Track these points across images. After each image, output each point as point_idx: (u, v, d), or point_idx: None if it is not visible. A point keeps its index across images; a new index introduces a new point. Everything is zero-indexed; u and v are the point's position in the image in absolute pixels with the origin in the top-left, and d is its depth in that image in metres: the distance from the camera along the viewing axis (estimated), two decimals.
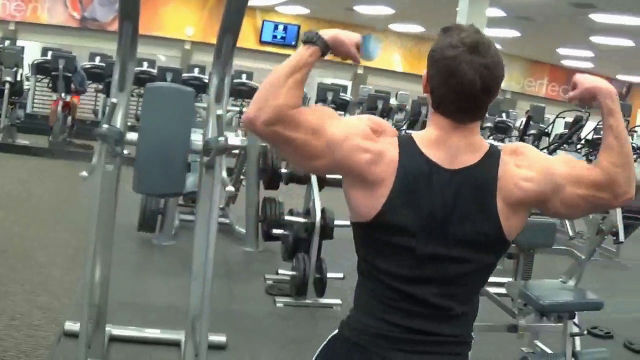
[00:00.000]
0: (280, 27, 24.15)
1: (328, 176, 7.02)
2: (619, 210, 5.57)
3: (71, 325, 4.99)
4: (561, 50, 25.27)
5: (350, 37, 2.39)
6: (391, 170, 2.15)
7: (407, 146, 2.18)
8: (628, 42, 20.21)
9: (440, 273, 2.18)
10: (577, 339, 5.27)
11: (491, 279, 5.52)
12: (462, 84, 2.12)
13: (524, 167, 2.18)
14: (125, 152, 4.30)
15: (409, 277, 2.18)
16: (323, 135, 2.18)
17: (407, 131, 14.80)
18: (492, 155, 2.20)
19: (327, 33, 2.39)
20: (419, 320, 2.18)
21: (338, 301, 6.73)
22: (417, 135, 2.23)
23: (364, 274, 2.34)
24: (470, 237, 2.16)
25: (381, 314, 2.23)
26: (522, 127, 16.74)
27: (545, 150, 13.78)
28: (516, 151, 2.23)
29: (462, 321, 2.25)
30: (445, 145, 2.17)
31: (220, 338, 5.33)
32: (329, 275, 6.64)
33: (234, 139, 4.16)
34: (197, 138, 4.29)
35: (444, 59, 2.19)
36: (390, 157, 2.16)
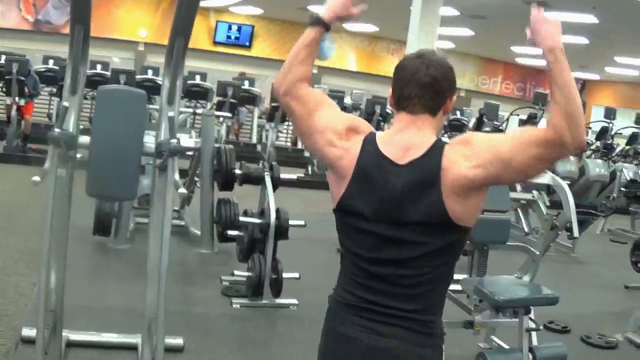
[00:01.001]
0: (234, 28, 24.02)
1: (282, 176, 7.04)
2: (572, 206, 5.64)
3: (28, 332, 4.93)
4: (515, 48, 25.42)
5: (337, 3, 2.84)
6: (352, 164, 2.51)
7: (368, 144, 2.53)
8: (582, 40, 20.40)
9: (395, 255, 2.48)
10: (534, 334, 5.32)
11: None
12: (409, 71, 2.55)
13: (472, 156, 2.42)
14: (79, 155, 4.27)
15: (370, 258, 2.52)
16: (311, 118, 2.66)
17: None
18: (436, 149, 2.46)
19: (324, 11, 2.85)
20: (377, 295, 2.51)
21: (294, 301, 6.72)
22: (379, 134, 2.59)
23: (341, 254, 2.70)
24: (418, 222, 2.44)
25: (349, 287, 2.60)
26: (475, 125, 16.90)
27: None
28: (465, 142, 2.49)
29: (418, 301, 2.50)
30: (398, 143, 2.51)
31: (178, 341, 5.31)
32: (284, 275, 6.63)
33: (187, 140, 4.16)
34: (150, 140, 4.27)
35: (399, 65, 2.64)
36: (354, 153, 2.52)
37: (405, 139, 2.51)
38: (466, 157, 2.42)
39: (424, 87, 2.52)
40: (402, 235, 2.46)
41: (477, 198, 2.47)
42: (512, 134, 2.50)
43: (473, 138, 2.49)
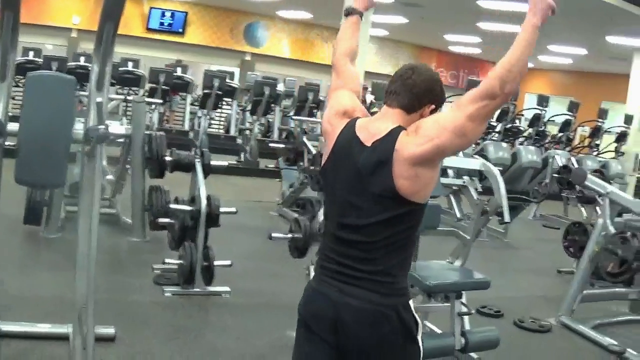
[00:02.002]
0: (168, 14, 23.80)
1: (213, 163, 7.00)
2: (503, 192, 5.71)
3: None
4: (449, 37, 25.63)
5: None
6: (333, 141, 3.05)
7: (348, 126, 3.04)
8: (515, 28, 20.56)
9: (356, 221, 2.92)
10: (466, 318, 5.38)
11: None
12: (399, 73, 3.02)
13: (420, 136, 2.82)
14: (8, 143, 4.20)
15: (338, 223, 3.00)
16: (334, 92, 3.29)
17: (294, 117, 14.88)
18: (393, 133, 2.89)
19: (354, 3, 3.51)
20: (342, 257, 2.96)
21: (227, 288, 6.69)
22: (360, 120, 3.07)
23: (324, 221, 3.26)
24: (374, 194, 2.88)
25: (324, 250, 3.08)
26: None
27: None
28: (416, 126, 2.88)
29: (376, 264, 2.91)
30: (369, 128, 2.97)
31: (109, 330, 5.26)
32: (216, 262, 6.60)
33: (117, 127, 4.13)
34: (79, 127, 4.22)
35: (397, 70, 3.10)
36: (337, 132, 3.05)
37: (375, 126, 2.96)
38: (416, 139, 2.82)
39: (404, 87, 2.97)
40: (361, 204, 2.91)
41: (427, 176, 2.87)
42: (454, 103, 2.86)
43: (422, 122, 2.89)
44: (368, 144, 2.92)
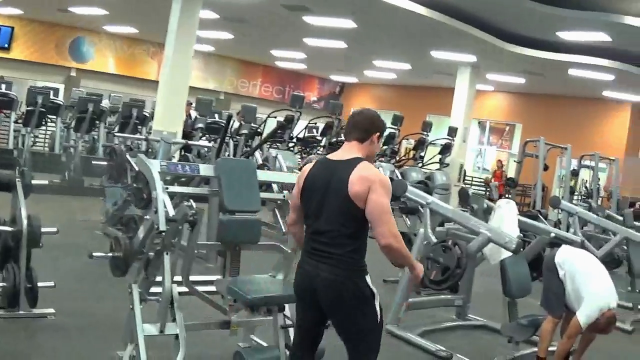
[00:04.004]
0: None
1: (34, 182, 6.82)
2: None
3: None
4: (275, 52, 25.87)
5: None
6: (303, 180, 4.45)
7: (320, 159, 4.55)
8: (340, 44, 21.00)
9: (326, 217, 4.25)
10: (291, 330, 5.45)
11: (201, 278, 5.64)
12: (351, 117, 4.54)
13: (363, 188, 4.14)
14: None
15: (314, 229, 4.33)
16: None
17: (118, 134, 14.62)
18: (353, 160, 4.28)
19: None
20: (318, 243, 4.27)
21: (51, 310, 6.55)
22: (331, 154, 4.53)
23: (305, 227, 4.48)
24: (336, 197, 4.22)
25: (306, 242, 4.40)
26: (232, 128, 17.00)
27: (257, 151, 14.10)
28: (370, 181, 4.15)
29: (342, 247, 4.19)
30: (339, 153, 4.43)
31: None
32: (39, 284, 6.46)
33: None
34: None
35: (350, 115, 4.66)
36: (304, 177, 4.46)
37: (342, 153, 4.41)
38: (361, 185, 4.15)
39: (354, 126, 4.45)
40: (328, 204, 4.24)
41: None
42: (375, 211, 4.13)
43: (374, 183, 4.14)
44: (338, 160, 4.34)
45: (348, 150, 4.35)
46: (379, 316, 4.25)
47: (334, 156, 4.41)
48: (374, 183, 4.11)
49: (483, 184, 25.80)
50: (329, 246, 4.19)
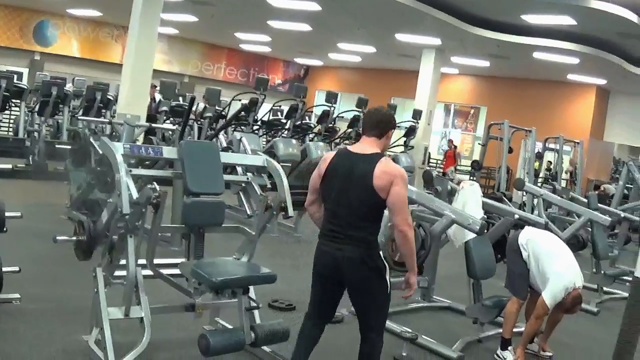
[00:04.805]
0: None
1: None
2: (287, 187, 5.85)
3: None
4: (239, 35, 25.79)
5: None
6: (326, 166, 4.98)
7: (341, 150, 5.14)
8: (305, 27, 20.96)
9: (347, 202, 4.81)
10: (256, 312, 5.49)
11: (165, 261, 5.61)
12: (368, 114, 5.19)
13: (387, 181, 4.74)
14: None
15: (334, 213, 4.89)
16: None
17: (82, 117, 14.49)
18: (376, 155, 4.86)
19: None
20: (338, 227, 4.84)
21: (17, 295, 6.45)
22: (351, 146, 5.14)
23: (324, 205, 5.05)
24: (359, 184, 4.77)
25: (325, 225, 4.97)
26: (197, 111, 16.94)
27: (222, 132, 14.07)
28: (392, 175, 4.76)
29: (361, 230, 4.79)
30: (359, 147, 5.00)
31: None
32: (4, 269, 6.39)
33: None
34: None
35: (367, 111, 5.40)
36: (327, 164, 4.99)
37: (362, 146, 4.98)
38: (382, 179, 4.73)
39: (372, 123, 5.02)
40: (351, 193, 4.79)
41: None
42: (397, 202, 4.76)
43: (394, 177, 4.74)
44: (359, 153, 4.91)
45: (369, 145, 4.95)
46: (389, 287, 4.92)
47: (355, 149, 5.01)
48: (396, 177, 4.73)
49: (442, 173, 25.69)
50: (349, 229, 4.79)
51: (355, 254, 4.76)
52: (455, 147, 26.27)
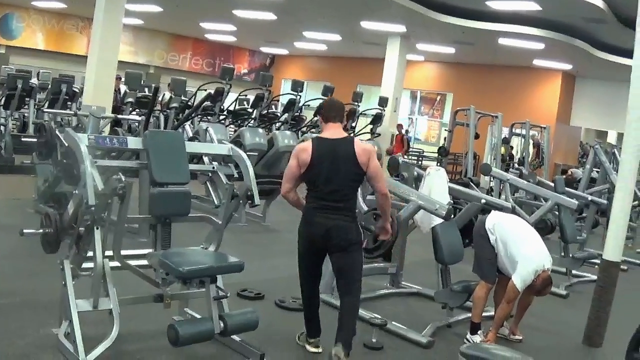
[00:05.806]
0: None
1: None
2: (252, 176, 5.87)
3: None
4: (204, 25, 25.72)
5: None
6: (310, 155, 5.72)
7: (316, 139, 5.81)
8: (270, 15, 20.92)
9: (335, 180, 5.65)
10: (224, 302, 5.49)
11: (133, 252, 5.59)
12: (330, 106, 6.01)
13: (368, 158, 5.71)
14: None
15: (327, 190, 5.67)
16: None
17: (47, 110, 14.36)
18: (349, 137, 5.83)
19: None
20: (329, 202, 5.67)
21: None
22: (321, 134, 5.91)
23: (308, 190, 5.85)
24: (345, 164, 5.65)
25: (316, 202, 5.72)
26: (163, 101, 16.88)
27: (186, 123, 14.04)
28: (369, 152, 5.74)
29: (346, 202, 5.73)
30: (332, 133, 5.78)
31: None
32: None
33: None
34: None
35: (328, 101, 6.29)
36: (310, 152, 5.72)
37: (334, 132, 5.81)
38: (363, 155, 5.69)
39: (337, 111, 5.90)
40: (340, 171, 5.64)
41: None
42: (378, 171, 5.82)
43: (371, 154, 5.75)
44: (335, 138, 5.76)
45: (337, 130, 5.86)
46: (363, 253, 6.09)
47: (328, 135, 5.83)
48: (372, 153, 5.76)
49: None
50: (339, 202, 5.70)
51: (344, 221, 5.71)
52: (407, 131, 26.21)
